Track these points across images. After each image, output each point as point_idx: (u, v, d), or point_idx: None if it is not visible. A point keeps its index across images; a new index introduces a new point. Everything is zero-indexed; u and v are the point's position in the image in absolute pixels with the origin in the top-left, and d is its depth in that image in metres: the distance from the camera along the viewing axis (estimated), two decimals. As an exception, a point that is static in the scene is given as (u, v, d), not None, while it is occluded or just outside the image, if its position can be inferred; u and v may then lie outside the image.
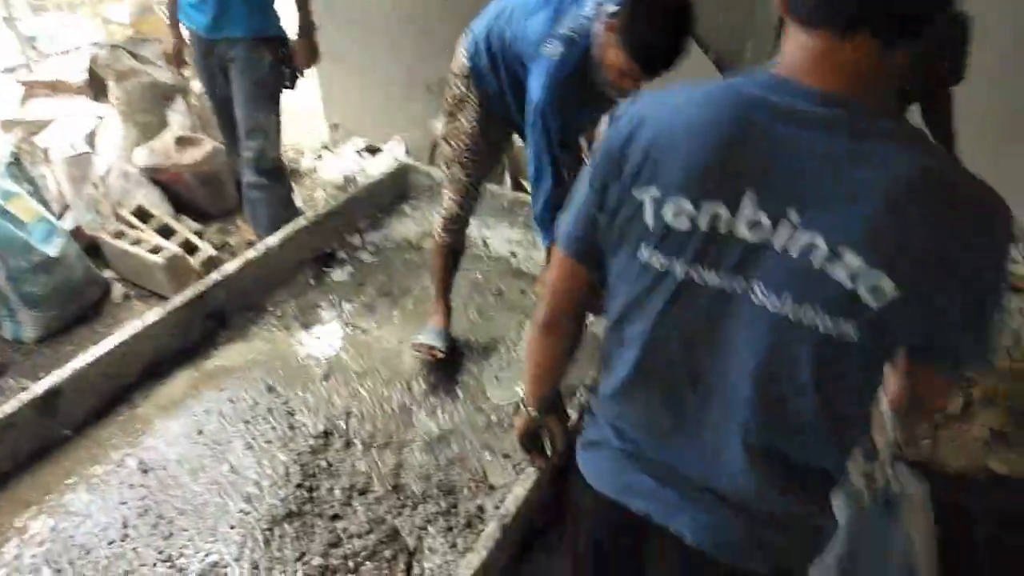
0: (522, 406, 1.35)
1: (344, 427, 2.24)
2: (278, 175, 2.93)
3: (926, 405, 1.00)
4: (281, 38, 2.75)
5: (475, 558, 1.70)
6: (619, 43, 1.69)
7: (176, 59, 2.90)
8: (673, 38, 1.66)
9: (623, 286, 0.99)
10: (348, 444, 2.19)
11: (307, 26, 2.77)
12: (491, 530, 1.77)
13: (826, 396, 0.89)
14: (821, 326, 0.84)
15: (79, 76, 3.85)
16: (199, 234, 3.16)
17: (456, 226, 2.36)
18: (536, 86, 1.87)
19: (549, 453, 1.56)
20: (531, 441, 1.44)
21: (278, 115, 2.83)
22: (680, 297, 0.93)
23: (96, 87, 3.84)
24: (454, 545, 1.88)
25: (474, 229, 3.14)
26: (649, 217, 0.92)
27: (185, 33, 2.80)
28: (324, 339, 2.60)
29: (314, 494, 2.04)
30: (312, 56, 2.83)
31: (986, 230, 0.81)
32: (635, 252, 0.95)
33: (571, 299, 1.13)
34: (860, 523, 1.40)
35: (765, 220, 0.84)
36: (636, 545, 1.12)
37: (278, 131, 2.85)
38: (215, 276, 2.62)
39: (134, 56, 3.61)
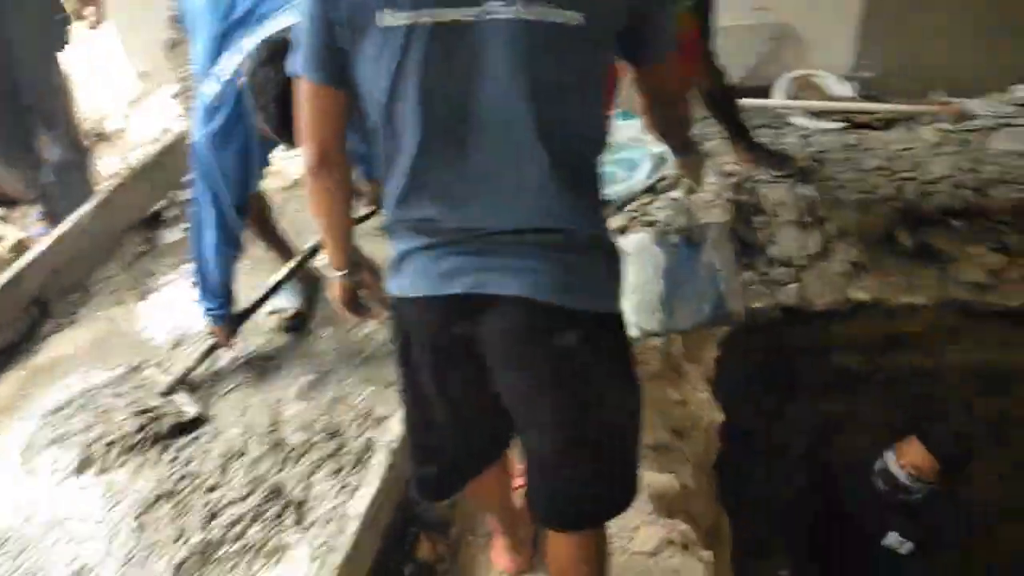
0: (332, 274, 1.36)
1: (209, 393, 2.05)
2: (85, 146, 2.60)
3: (667, 97, 1.24)
4: None
5: (367, 491, 1.61)
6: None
7: None
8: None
9: (379, 69, 1.03)
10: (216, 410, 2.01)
11: None
12: (380, 459, 1.68)
13: (579, 85, 1.05)
14: (557, 17, 0.98)
15: None
16: (1, 219, 2.78)
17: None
18: (194, 124, 1.65)
19: (372, 306, 1.54)
20: (353, 305, 1.43)
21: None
22: (433, 48, 1.00)
23: None
24: (345, 486, 1.77)
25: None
26: None
27: None
28: (167, 306, 2.36)
29: (188, 467, 1.87)
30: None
31: None
32: (379, 26, 1.00)
33: (333, 129, 1.14)
34: (671, 262, 1.57)
35: None
36: (471, 329, 1.11)
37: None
38: (26, 259, 2.31)
39: None
